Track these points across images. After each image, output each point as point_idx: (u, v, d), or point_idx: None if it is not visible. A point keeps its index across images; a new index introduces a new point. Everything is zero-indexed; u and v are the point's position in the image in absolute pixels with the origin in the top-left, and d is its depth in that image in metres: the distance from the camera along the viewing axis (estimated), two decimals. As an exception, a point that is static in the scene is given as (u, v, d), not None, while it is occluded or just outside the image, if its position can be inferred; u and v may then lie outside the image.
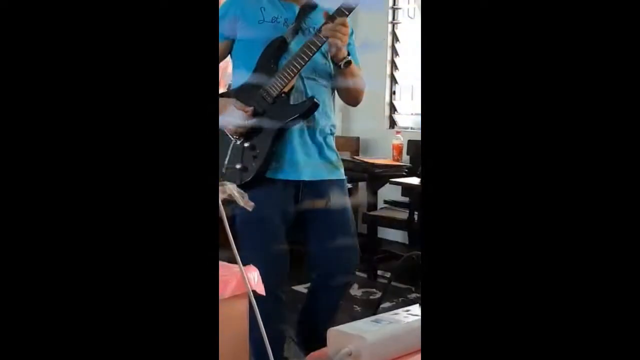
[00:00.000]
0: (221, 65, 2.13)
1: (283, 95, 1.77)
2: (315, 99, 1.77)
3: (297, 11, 1.84)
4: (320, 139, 1.84)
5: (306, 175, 1.81)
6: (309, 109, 1.76)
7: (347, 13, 1.69)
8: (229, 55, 1.91)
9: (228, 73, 1.99)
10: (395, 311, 1.03)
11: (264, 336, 1.30)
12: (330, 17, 1.70)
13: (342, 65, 1.78)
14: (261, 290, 1.64)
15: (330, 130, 1.89)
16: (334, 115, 1.93)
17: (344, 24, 1.69)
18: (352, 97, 1.91)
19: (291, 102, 1.78)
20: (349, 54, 1.78)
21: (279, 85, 1.75)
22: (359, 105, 1.99)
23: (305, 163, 1.80)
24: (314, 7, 1.85)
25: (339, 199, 1.86)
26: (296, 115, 1.76)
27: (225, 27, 1.85)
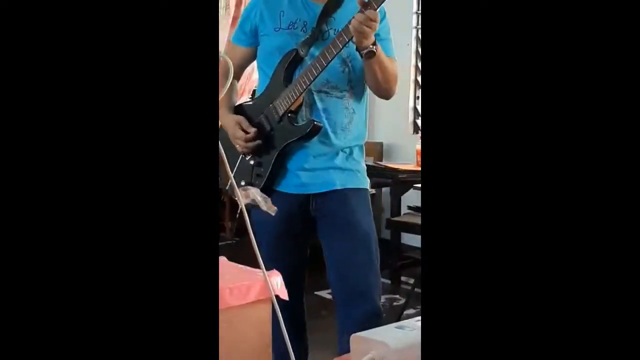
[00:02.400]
0: (247, 70, 2.11)
1: (290, 113, 1.71)
2: (316, 122, 1.68)
3: (318, 12, 1.72)
4: (336, 155, 1.75)
5: (316, 188, 1.74)
6: (310, 132, 1.69)
7: (375, 7, 1.54)
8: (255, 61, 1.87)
9: (253, 79, 1.97)
10: (419, 317, 1.02)
11: (287, 340, 1.30)
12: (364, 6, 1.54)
13: (362, 56, 1.62)
14: (284, 295, 1.64)
15: (350, 149, 1.77)
16: (361, 127, 1.79)
17: (374, 18, 1.53)
18: (380, 90, 1.75)
19: (298, 120, 1.72)
20: (374, 44, 1.61)
21: (287, 102, 1.70)
22: (382, 110, 1.95)
23: (313, 177, 1.73)
24: (340, 3, 1.71)
25: (354, 214, 1.75)
26: (296, 138, 1.70)
27: (247, 33, 1.80)
